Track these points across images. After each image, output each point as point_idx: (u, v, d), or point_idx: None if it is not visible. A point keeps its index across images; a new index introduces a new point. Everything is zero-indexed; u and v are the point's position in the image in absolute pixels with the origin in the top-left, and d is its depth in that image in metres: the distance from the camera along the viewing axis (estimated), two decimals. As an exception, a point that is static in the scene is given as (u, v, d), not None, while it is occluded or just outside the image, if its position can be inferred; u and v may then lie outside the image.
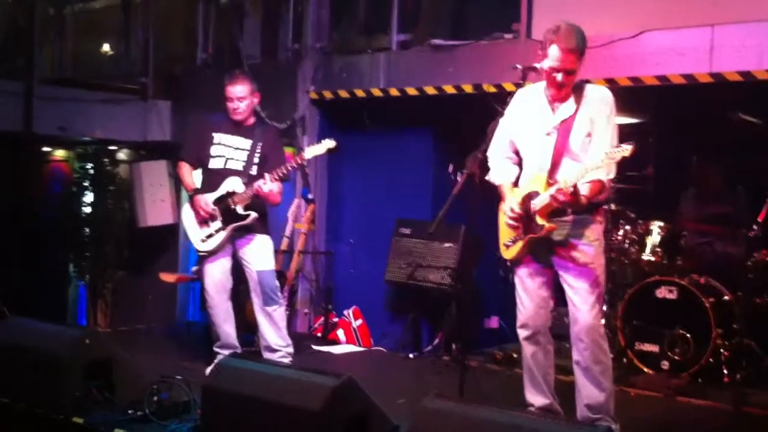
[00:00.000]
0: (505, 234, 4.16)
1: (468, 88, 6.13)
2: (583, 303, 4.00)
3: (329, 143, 5.16)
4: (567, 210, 3.95)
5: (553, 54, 3.87)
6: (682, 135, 7.01)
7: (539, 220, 3.93)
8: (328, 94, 6.90)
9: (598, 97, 3.98)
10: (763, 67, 5.11)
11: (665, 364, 5.48)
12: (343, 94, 6.82)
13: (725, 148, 6.80)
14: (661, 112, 6.81)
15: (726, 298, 5.66)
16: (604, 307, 5.79)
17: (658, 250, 5.87)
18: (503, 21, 6.20)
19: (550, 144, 3.99)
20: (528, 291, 4.16)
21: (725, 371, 5.35)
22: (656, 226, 5.89)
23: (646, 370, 5.53)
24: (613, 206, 5.99)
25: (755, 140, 6.94)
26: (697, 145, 6.80)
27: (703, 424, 4.68)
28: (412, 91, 6.44)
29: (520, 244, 4.06)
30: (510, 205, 4.05)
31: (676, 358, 5.45)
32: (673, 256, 5.89)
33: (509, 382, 5.25)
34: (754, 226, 5.87)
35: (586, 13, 5.45)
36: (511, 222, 4.05)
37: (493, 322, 6.92)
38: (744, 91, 5.51)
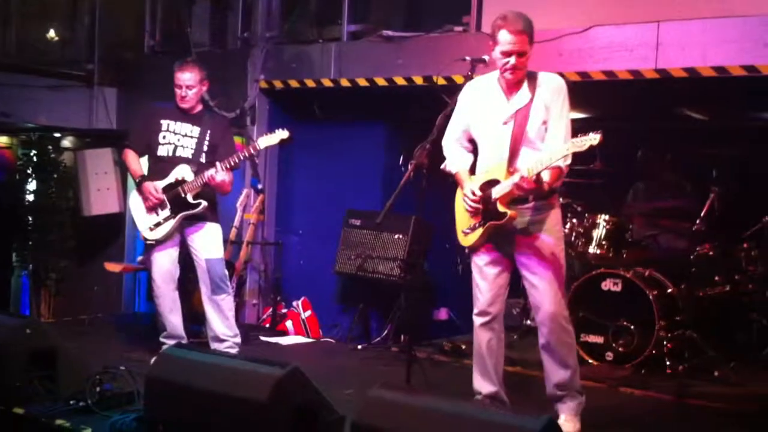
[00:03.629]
0: (463, 221, 4.19)
1: (418, 80, 6.14)
2: (546, 289, 4.05)
3: (283, 134, 5.12)
4: (528, 198, 4.00)
5: (504, 38, 3.92)
6: (630, 130, 7.12)
7: (501, 208, 3.97)
8: (278, 84, 6.86)
9: (552, 85, 4.02)
10: (707, 64, 5.20)
11: (609, 355, 5.57)
12: (294, 83, 6.78)
13: (672, 143, 6.93)
14: (608, 107, 6.90)
15: (670, 290, 5.76)
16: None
17: (605, 243, 5.94)
18: (455, 13, 6.22)
19: (507, 133, 4.02)
20: (486, 278, 4.19)
21: (668, 362, 5.44)
22: (603, 220, 5.97)
23: (590, 361, 5.61)
24: (561, 200, 6.03)
25: (700, 136, 7.11)
26: (644, 140, 6.91)
27: (644, 414, 4.74)
28: (362, 81, 6.43)
29: (479, 231, 4.09)
30: (471, 188, 4.07)
31: (620, 349, 5.54)
32: (619, 249, 5.97)
33: (457, 372, 5.28)
34: (698, 221, 6.01)
35: (535, 7, 5.43)
36: (472, 207, 4.08)
37: (443, 314, 6.96)
38: (689, 87, 5.61)
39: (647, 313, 5.47)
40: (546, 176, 3.89)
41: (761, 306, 6.14)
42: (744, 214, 6.34)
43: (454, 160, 4.23)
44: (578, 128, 6.64)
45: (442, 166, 4.24)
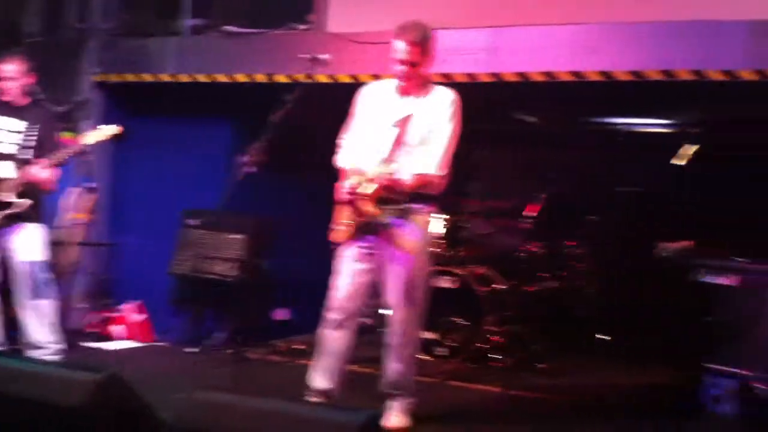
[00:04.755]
0: (340, 216, 4.24)
1: (260, 77, 6.08)
2: (403, 291, 4.14)
3: (113, 129, 4.96)
4: (396, 199, 4.09)
5: (397, 47, 4.08)
6: (469, 131, 7.31)
7: (369, 206, 4.05)
8: (114, 78, 6.62)
9: (442, 98, 4.18)
10: (537, 69, 5.41)
11: (441, 351, 5.70)
12: (130, 78, 6.56)
13: (507, 145, 7.19)
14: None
15: (500, 287, 5.96)
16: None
17: (442, 241, 6.09)
18: (300, 12, 6.19)
19: (392, 136, 4.12)
20: (348, 275, 4.22)
21: (496, 356, 5.63)
22: (439, 219, 6.11)
23: (425, 357, 5.72)
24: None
25: (534, 137, 7.41)
26: (481, 141, 7.12)
27: (472, 406, 4.89)
28: (203, 77, 6.29)
29: (350, 227, 4.16)
30: (347, 184, 4.15)
31: (452, 344, 5.68)
32: (456, 248, 6.13)
33: (290, 373, 5.26)
34: (529, 220, 6.27)
35: (381, 8, 5.58)
36: (346, 203, 4.14)
37: (283, 314, 6.90)
38: (522, 91, 5.82)
39: (477, 309, 5.66)
40: (410, 180, 4.04)
41: (586, 300, 6.49)
42: (572, 215, 6.67)
43: (346, 156, 4.30)
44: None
45: (333, 160, 4.31)
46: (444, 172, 4.14)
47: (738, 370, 4.66)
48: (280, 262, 6.52)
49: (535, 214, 6.39)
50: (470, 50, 5.59)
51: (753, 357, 4.59)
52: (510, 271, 6.16)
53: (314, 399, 4.23)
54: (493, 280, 5.98)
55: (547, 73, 5.37)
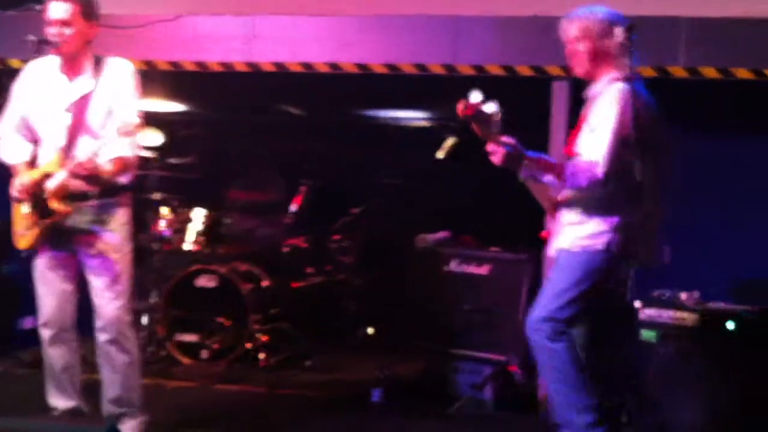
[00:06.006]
0: (19, 221, 3.75)
1: (-9, 61, 5.50)
2: (105, 293, 3.75)
3: None
4: (88, 193, 3.67)
5: (50, 7, 3.60)
6: (228, 123, 7.11)
7: (54, 204, 3.61)
8: None
9: (119, 70, 3.73)
10: (296, 60, 5.30)
11: (205, 353, 5.45)
12: None
13: (267, 137, 7.04)
14: (205, 99, 6.81)
15: (265, 283, 5.80)
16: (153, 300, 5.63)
17: (201, 238, 5.83)
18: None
19: (67, 121, 3.68)
20: (48, 285, 3.81)
21: (262, 356, 5.46)
22: (199, 214, 5.85)
23: (185, 360, 5.46)
24: (157, 195, 5.81)
25: (293, 129, 7.32)
26: (241, 134, 6.93)
27: (238, 408, 4.71)
28: None
29: (35, 231, 3.69)
30: (19, 181, 3.67)
31: (215, 346, 5.45)
32: (216, 244, 5.90)
33: (35, 386, 4.79)
34: (290, 214, 6.17)
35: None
36: (22, 199, 3.67)
37: (30, 322, 6.32)
38: (282, 82, 5.69)
39: (242, 307, 5.46)
40: (107, 166, 3.60)
41: (352, 294, 6.49)
42: (335, 207, 6.65)
43: (10, 150, 3.79)
44: (175, 120, 6.57)
45: None
46: (137, 152, 3.77)
47: (494, 356, 4.83)
48: (25, 266, 5.95)
49: (295, 208, 6.28)
50: (227, 38, 5.38)
51: (508, 343, 4.77)
52: (275, 267, 6.01)
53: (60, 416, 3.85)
54: (257, 276, 5.80)
55: (305, 65, 5.29)
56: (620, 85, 3.37)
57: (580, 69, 3.54)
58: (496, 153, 3.29)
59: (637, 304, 4.04)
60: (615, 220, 3.42)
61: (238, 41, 5.37)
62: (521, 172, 3.45)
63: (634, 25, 3.42)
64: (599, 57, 3.46)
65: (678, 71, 4.82)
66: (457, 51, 5.10)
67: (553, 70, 4.90)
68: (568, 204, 3.51)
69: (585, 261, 3.45)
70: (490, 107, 3.22)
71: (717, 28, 4.74)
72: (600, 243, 3.42)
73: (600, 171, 3.30)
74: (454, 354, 4.99)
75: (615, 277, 3.47)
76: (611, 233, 3.42)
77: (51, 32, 3.61)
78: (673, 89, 4.44)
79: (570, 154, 3.50)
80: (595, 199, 3.41)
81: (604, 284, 3.48)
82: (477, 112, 3.21)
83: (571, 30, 3.51)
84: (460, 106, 3.22)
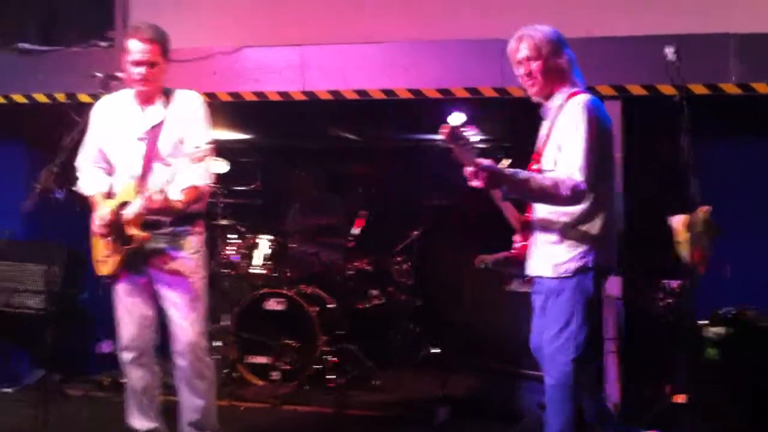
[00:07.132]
0: (99, 249, 3.92)
1: (61, 97, 5.75)
2: (183, 318, 3.89)
3: None
4: (163, 221, 3.82)
5: (133, 47, 3.77)
6: (286, 150, 7.27)
7: (132, 230, 3.76)
8: None
9: (187, 100, 3.90)
10: (349, 87, 5.44)
11: (274, 375, 5.54)
12: None
13: (324, 162, 7.19)
14: (263, 128, 6.98)
15: (330, 306, 5.90)
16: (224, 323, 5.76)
17: (268, 262, 5.95)
18: (99, 28, 5.90)
19: (141, 150, 3.84)
20: (128, 310, 3.96)
21: (330, 376, 5.54)
22: (264, 239, 5.98)
23: (256, 382, 5.57)
24: (223, 221, 5.98)
25: (348, 153, 7.46)
26: (299, 159, 7.09)
27: (305, 429, 4.80)
28: (-1, 99, 5.85)
29: (116, 258, 3.85)
30: (100, 213, 3.83)
31: (285, 367, 5.52)
32: (282, 268, 6.02)
33: (115, 408, 4.95)
34: (350, 237, 6.28)
35: (185, 25, 5.38)
36: (103, 233, 3.83)
37: (106, 347, 6.52)
38: (335, 108, 5.81)
39: (310, 329, 5.54)
40: (180, 196, 3.74)
41: (413, 314, 6.56)
42: (394, 230, 6.74)
43: (88, 182, 3.97)
44: (238, 149, 6.74)
45: (75, 188, 3.97)
46: (210, 182, 3.87)
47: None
48: (98, 293, 6.15)
49: (359, 231, 6.40)
50: (282, 68, 5.52)
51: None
52: (339, 289, 6.11)
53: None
54: (323, 299, 5.91)
55: (360, 91, 5.41)
56: (582, 97, 3.31)
57: (534, 89, 3.41)
58: (476, 176, 3.17)
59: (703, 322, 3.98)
60: (593, 234, 3.30)
61: (292, 71, 5.50)
62: (503, 193, 3.33)
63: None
64: (554, 74, 3.37)
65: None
66: (507, 73, 5.14)
67: (604, 89, 4.87)
68: (543, 223, 3.40)
69: (580, 289, 3.30)
70: (470, 131, 3.15)
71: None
72: (587, 262, 3.29)
73: (581, 182, 3.18)
74: (517, 373, 5.01)
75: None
76: (593, 250, 3.29)
77: (135, 71, 3.77)
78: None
79: (538, 173, 3.36)
80: (568, 214, 3.30)
81: (600, 303, 3.42)
82: (457, 135, 3.13)
83: (522, 50, 3.39)
84: (442, 129, 3.14)
